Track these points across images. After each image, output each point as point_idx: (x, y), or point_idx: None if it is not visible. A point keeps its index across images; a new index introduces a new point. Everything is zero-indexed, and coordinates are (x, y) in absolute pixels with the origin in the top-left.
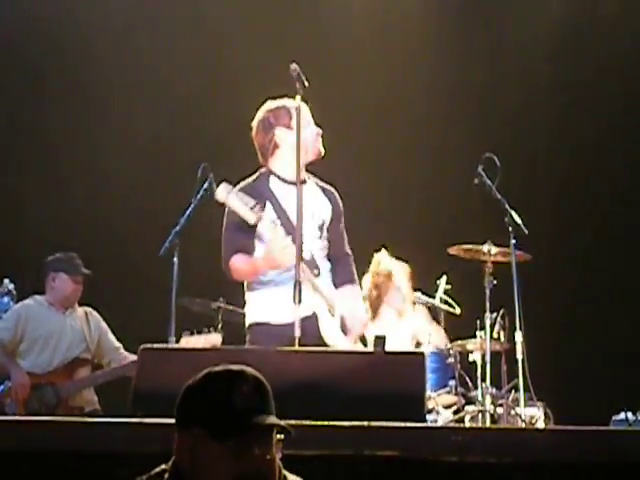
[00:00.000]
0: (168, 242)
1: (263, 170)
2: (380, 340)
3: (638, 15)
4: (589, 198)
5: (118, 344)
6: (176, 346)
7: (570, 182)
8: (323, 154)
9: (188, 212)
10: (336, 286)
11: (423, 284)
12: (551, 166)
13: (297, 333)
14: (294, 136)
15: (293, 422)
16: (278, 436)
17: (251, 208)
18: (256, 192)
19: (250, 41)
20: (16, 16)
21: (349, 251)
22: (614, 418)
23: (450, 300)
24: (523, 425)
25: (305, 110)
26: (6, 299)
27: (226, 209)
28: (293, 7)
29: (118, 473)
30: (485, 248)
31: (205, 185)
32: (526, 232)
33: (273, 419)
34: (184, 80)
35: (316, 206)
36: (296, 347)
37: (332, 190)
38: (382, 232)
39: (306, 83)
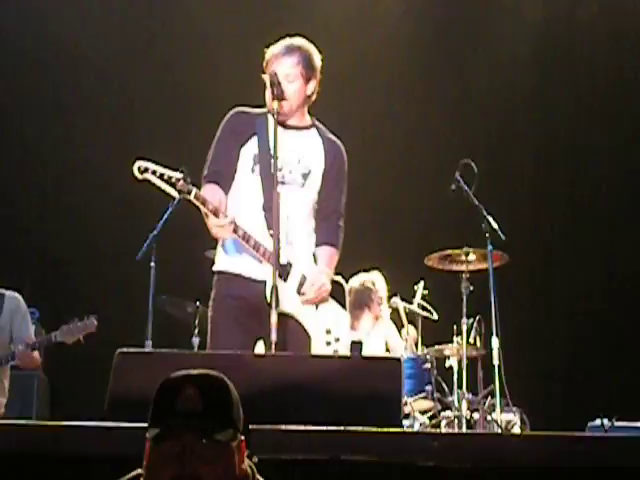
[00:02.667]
0: (145, 246)
1: (270, 107)
2: (357, 345)
3: (617, 17)
4: (567, 205)
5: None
6: (153, 350)
7: (547, 189)
8: (310, 94)
9: (165, 216)
10: (316, 245)
11: (401, 290)
12: (528, 172)
13: (273, 337)
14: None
15: (269, 427)
16: (241, 438)
17: (171, 183)
18: (250, 123)
19: (234, 34)
20: None
21: (342, 210)
22: (590, 424)
23: (427, 305)
24: (499, 431)
25: (285, 65)
26: None
27: (219, 128)
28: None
29: (93, 477)
30: (463, 251)
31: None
32: (503, 238)
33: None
34: (163, 79)
35: (306, 153)
36: (273, 352)
37: (336, 142)
38: (360, 238)
39: (283, 88)
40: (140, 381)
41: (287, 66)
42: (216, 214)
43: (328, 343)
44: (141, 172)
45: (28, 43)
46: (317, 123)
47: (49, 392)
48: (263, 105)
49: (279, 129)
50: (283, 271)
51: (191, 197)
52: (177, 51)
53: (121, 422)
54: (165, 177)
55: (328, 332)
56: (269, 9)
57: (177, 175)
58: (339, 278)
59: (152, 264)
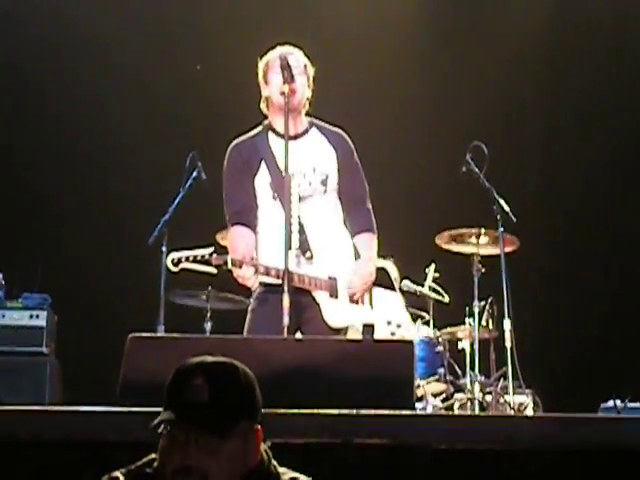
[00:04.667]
0: (157, 231)
1: (266, 122)
2: (369, 328)
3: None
4: (578, 186)
5: None
6: (165, 335)
7: (558, 171)
8: (308, 97)
9: (177, 201)
10: (353, 237)
11: (412, 273)
12: (539, 155)
13: (285, 321)
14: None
15: (282, 411)
16: (256, 426)
17: (206, 261)
18: (253, 149)
19: (241, 31)
20: None
21: (366, 194)
22: (602, 405)
23: (439, 288)
24: (512, 412)
25: (292, 59)
26: None
27: (223, 168)
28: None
29: (107, 462)
30: (475, 231)
31: (194, 174)
32: (514, 220)
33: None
34: (171, 69)
35: (318, 158)
36: (285, 335)
37: (339, 133)
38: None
39: (294, 73)
40: (152, 365)
41: (294, 59)
42: (240, 266)
43: (393, 333)
44: (175, 264)
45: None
46: (315, 121)
47: (61, 377)
48: (260, 122)
49: (283, 143)
50: (332, 288)
51: (229, 266)
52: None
53: (133, 407)
54: (198, 259)
55: (389, 323)
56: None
57: (208, 251)
58: (383, 263)
59: (163, 249)
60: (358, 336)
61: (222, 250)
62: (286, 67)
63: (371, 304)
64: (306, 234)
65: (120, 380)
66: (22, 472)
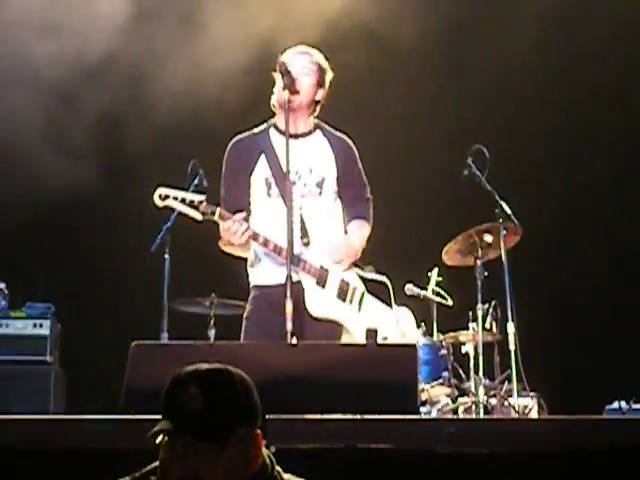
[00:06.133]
0: (159, 238)
1: (271, 121)
2: (372, 332)
3: None
4: (581, 188)
5: None
6: (168, 342)
7: (560, 173)
8: (318, 99)
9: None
10: (347, 224)
11: (415, 276)
12: (540, 157)
13: (289, 327)
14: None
15: (285, 416)
16: (255, 432)
17: (194, 206)
18: (254, 145)
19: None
20: None
21: (366, 190)
22: (607, 407)
23: (442, 292)
24: (517, 415)
25: (302, 60)
26: None
27: (223, 165)
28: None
29: (112, 470)
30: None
31: (195, 181)
32: (517, 223)
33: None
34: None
35: (316, 161)
36: (288, 341)
37: (343, 139)
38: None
39: (295, 78)
40: (156, 373)
41: (304, 60)
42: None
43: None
44: (162, 199)
45: None
46: (321, 123)
47: (66, 386)
48: (268, 118)
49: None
50: (321, 277)
51: (215, 217)
52: None
53: (137, 414)
54: (187, 201)
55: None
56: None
57: (199, 197)
58: (384, 278)
59: (166, 256)
60: (352, 340)
61: (225, 255)
62: (286, 73)
63: (360, 307)
64: (304, 222)
65: (124, 388)
66: None
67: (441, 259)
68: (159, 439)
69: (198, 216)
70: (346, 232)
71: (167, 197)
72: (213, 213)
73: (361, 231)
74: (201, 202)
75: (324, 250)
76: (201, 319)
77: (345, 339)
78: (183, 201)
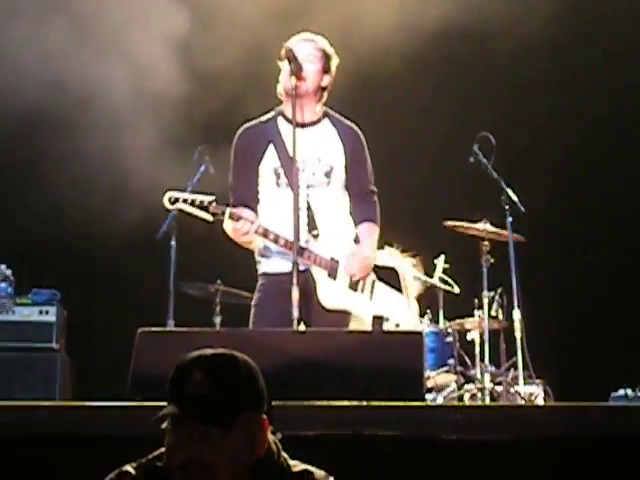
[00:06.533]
0: (165, 225)
1: (279, 109)
2: (378, 320)
3: None
4: (587, 174)
5: None
6: (174, 329)
7: (567, 160)
8: (324, 86)
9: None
10: (356, 226)
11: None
12: (547, 144)
13: (295, 314)
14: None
15: (291, 403)
16: (261, 417)
17: (204, 207)
18: (262, 134)
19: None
20: None
21: (373, 187)
22: (613, 395)
23: (448, 279)
24: (522, 402)
25: (307, 47)
26: (3, 285)
27: (231, 152)
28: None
29: (118, 456)
30: (480, 226)
31: (202, 168)
32: (523, 210)
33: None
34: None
35: (324, 150)
36: (294, 327)
37: (352, 127)
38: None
39: (302, 63)
40: (162, 360)
41: (309, 47)
42: (238, 220)
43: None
44: (172, 203)
45: None
46: (329, 111)
47: (72, 372)
48: (274, 106)
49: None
50: (332, 269)
51: (226, 217)
52: None
53: (144, 401)
54: (197, 203)
55: (386, 320)
56: None
57: (209, 198)
58: (395, 263)
59: (172, 243)
60: (360, 327)
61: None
62: (293, 59)
63: (371, 296)
64: (313, 214)
65: (130, 374)
66: (33, 467)
67: (446, 245)
68: (164, 424)
69: (209, 217)
70: (355, 225)
71: (177, 200)
72: (223, 213)
73: (372, 239)
74: (211, 203)
75: (333, 243)
76: (207, 306)
77: (355, 327)
78: (193, 203)
